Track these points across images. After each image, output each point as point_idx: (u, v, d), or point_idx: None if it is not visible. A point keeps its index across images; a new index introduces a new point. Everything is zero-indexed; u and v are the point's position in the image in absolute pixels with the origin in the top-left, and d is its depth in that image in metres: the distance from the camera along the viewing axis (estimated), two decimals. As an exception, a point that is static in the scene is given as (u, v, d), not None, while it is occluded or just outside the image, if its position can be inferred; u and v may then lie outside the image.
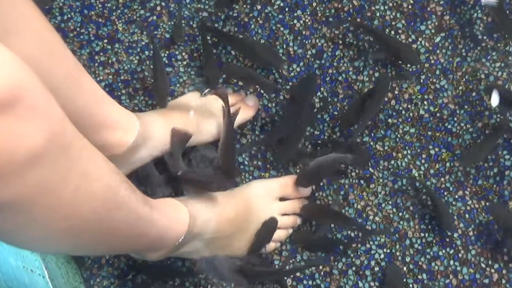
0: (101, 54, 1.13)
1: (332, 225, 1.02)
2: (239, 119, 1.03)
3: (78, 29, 1.14)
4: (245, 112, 1.04)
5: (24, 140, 0.47)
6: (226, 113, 0.97)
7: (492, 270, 0.99)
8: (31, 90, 0.47)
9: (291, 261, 1.02)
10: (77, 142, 0.55)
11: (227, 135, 0.98)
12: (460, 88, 1.07)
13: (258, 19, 1.12)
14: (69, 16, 1.14)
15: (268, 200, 0.98)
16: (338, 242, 1.01)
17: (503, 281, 0.97)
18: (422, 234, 1.01)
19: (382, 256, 1.01)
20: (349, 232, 1.02)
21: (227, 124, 0.98)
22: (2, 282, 0.76)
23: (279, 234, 0.99)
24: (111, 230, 0.66)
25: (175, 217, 0.84)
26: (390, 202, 1.03)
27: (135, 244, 0.76)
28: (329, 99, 1.09)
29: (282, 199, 1.00)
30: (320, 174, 0.99)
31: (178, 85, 1.11)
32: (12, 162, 0.47)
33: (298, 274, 1.01)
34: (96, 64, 1.13)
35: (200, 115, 1.02)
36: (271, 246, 0.99)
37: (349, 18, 1.11)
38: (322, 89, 1.09)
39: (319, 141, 1.06)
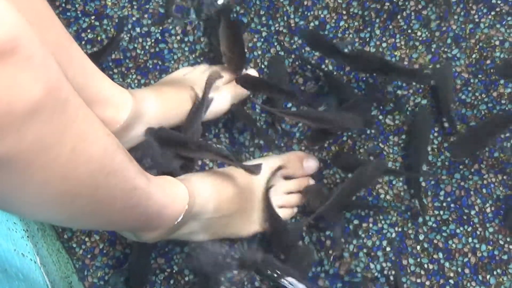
0: (89, 31, 1.19)
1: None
2: (241, 93, 1.08)
3: (64, 5, 1.19)
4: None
5: (23, 91, 0.51)
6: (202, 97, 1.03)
7: (511, 247, 1.03)
8: (29, 41, 0.51)
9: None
10: (74, 100, 0.59)
11: (193, 117, 1.03)
12: (474, 56, 1.12)
13: (257, -11, 1.17)
14: (54, -9, 1.19)
15: (271, 178, 1.02)
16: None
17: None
18: (436, 212, 1.06)
19: (393, 235, 1.05)
20: (359, 211, 1.07)
21: (196, 108, 1.03)
22: (-5, 263, 0.81)
23: (285, 213, 1.03)
24: (107, 198, 0.70)
25: (173, 194, 0.88)
26: (401, 179, 1.07)
27: (131, 218, 0.80)
28: (335, 73, 1.13)
29: (287, 178, 1.05)
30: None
31: (172, 61, 1.16)
32: (10, 114, 0.51)
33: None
34: (84, 42, 1.18)
35: (197, 91, 1.07)
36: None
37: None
38: (326, 61, 1.14)
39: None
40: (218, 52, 1.11)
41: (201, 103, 1.03)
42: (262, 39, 1.15)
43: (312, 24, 1.16)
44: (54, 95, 0.54)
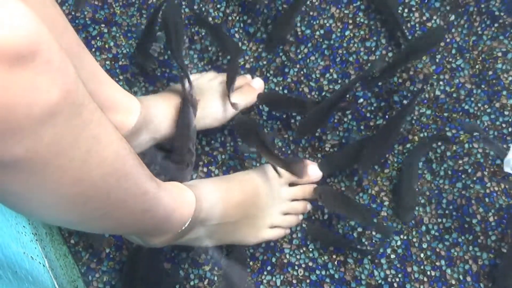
0: (98, 38, 1.20)
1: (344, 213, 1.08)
2: (246, 102, 1.10)
3: (73, 13, 1.21)
4: (251, 94, 1.11)
5: (41, 95, 0.53)
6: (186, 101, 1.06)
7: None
8: (48, 45, 0.53)
9: (301, 250, 1.08)
10: (89, 104, 0.61)
11: (183, 121, 1.05)
12: (477, 67, 1.14)
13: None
14: (64, -2, 1.21)
15: (277, 184, 1.04)
16: (349, 242, 1.08)
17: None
18: (439, 220, 1.07)
19: (398, 243, 1.06)
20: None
21: (184, 112, 1.05)
22: (5, 264, 0.82)
23: (289, 221, 1.05)
24: (119, 201, 0.72)
25: (181, 199, 0.90)
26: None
27: (141, 222, 0.81)
28: (340, 81, 1.15)
29: (291, 184, 1.06)
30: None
31: (179, 69, 1.17)
32: (29, 117, 0.52)
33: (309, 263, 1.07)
34: (93, 49, 1.20)
35: (203, 97, 1.09)
36: (280, 233, 1.05)
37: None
38: (331, 70, 1.16)
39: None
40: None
41: (185, 103, 1.05)
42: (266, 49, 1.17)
43: (317, 33, 1.18)
44: (70, 98, 0.56)
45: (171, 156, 1.06)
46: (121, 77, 1.19)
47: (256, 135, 1.01)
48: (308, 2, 1.19)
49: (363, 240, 1.07)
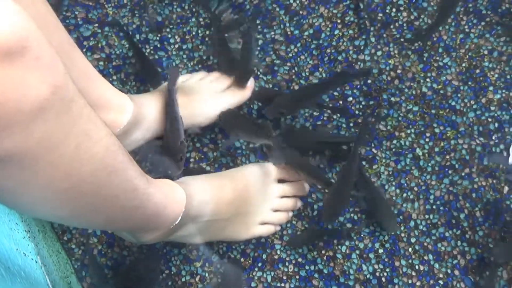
0: (91, 38, 1.22)
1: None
2: (236, 100, 1.12)
3: (64, 13, 1.22)
4: (242, 93, 1.12)
5: (30, 90, 0.54)
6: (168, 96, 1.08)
7: (501, 249, 1.07)
8: (37, 42, 0.54)
9: (292, 246, 1.09)
10: (78, 100, 0.62)
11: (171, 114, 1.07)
12: (464, 65, 1.15)
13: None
14: (57, -1, 1.23)
15: (267, 182, 1.05)
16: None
17: (512, 260, 1.05)
18: (427, 216, 1.09)
19: (386, 238, 1.08)
20: (352, 215, 1.09)
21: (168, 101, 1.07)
22: (-2, 260, 0.83)
23: (280, 217, 1.06)
24: (109, 197, 0.73)
25: (172, 196, 0.91)
26: (393, 183, 1.11)
27: (131, 218, 0.83)
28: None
29: (281, 181, 1.08)
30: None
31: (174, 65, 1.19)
32: (19, 112, 0.54)
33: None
34: (85, 50, 1.21)
35: (194, 96, 1.10)
36: (271, 229, 1.06)
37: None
38: (320, 69, 1.17)
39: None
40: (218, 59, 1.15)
41: (170, 96, 1.07)
42: (258, 48, 1.19)
43: (307, 32, 1.19)
44: (60, 94, 0.57)
45: (164, 150, 1.08)
46: (114, 77, 1.20)
47: (241, 124, 1.03)
48: (297, 1, 1.21)
49: (352, 235, 1.09)
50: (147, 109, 1.06)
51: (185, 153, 1.08)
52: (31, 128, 0.56)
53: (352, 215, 1.10)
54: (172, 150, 1.07)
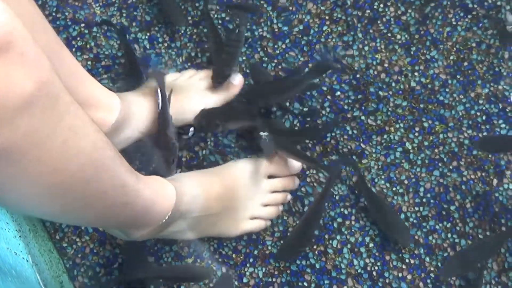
0: (78, 39, 1.22)
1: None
2: (225, 97, 1.12)
3: (54, 14, 1.23)
4: (231, 89, 1.13)
5: (15, 85, 0.55)
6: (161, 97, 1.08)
7: (490, 241, 1.07)
8: (22, 38, 0.55)
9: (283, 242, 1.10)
10: (64, 96, 0.63)
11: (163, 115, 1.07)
12: (451, 58, 1.16)
13: (241, -4, 1.22)
14: (43, 0, 1.23)
15: (257, 177, 1.06)
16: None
17: (502, 250, 1.05)
18: (416, 208, 1.09)
19: (376, 232, 1.09)
20: (342, 209, 1.10)
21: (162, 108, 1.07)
22: (-12, 259, 0.84)
23: (270, 211, 1.07)
24: (98, 193, 0.74)
25: (161, 192, 0.92)
26: (383, 177, 1.12)
27: (121, 214, 0.83)
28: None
29: (271, 177, 1.08)
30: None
31: (159, 66, 1.20)
32: (4, 107, 0.55)
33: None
34: (74, 49, 1.21)
35: (183, 94, 1.11)
36: (261, 224, 1.06)
37: None
38: (310, 65, 1.18)
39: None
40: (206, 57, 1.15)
41: (162, 98, 1.07)
42: (246, 45, 1.19)
43: (296, 29, 1.20)
44: (45, 90, 0.58)
45: (156, 151, 1.08)
46: (104, 76, 1.20)
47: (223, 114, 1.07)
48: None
49: (343, 229, 1.09)
50: (136, 107, 1.06)
51: (177, 155, 1.09)
52: (16, 123, 0.56)
53: (342, 209, 1.10)
54: (163, 152, 1.08)
